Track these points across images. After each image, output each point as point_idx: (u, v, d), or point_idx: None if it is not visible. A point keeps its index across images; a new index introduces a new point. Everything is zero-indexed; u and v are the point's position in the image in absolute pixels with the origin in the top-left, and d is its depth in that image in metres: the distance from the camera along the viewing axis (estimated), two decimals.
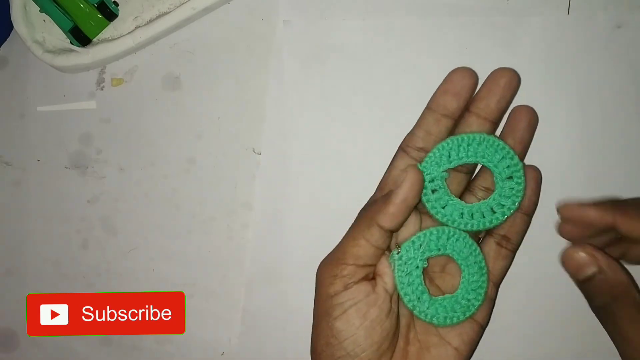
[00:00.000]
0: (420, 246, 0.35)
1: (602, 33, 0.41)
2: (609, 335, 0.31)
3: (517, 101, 0.41)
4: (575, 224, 0.34)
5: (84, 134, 0.44)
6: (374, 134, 0.42)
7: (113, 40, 0.42)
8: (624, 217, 0.32)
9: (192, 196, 0.43)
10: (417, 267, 0.35)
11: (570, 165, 0.41)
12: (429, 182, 0.35)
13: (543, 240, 0.41)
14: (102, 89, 0.44)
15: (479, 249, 0.36)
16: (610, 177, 0.41)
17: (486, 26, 0.41)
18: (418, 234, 0.35)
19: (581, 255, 0.31)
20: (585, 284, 0.32)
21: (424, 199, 0.35)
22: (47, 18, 0.42)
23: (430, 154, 0.36)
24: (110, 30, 0.43)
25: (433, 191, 0.35)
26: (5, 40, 0.44)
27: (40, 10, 0.42)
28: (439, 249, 0.35)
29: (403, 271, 0.35)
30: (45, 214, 0.44)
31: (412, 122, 0.41)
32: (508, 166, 0.35)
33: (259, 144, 0.43)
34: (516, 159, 0.35)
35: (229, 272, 0.42)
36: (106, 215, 0.44)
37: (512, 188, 0.35)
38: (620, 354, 0.31)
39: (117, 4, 0.43)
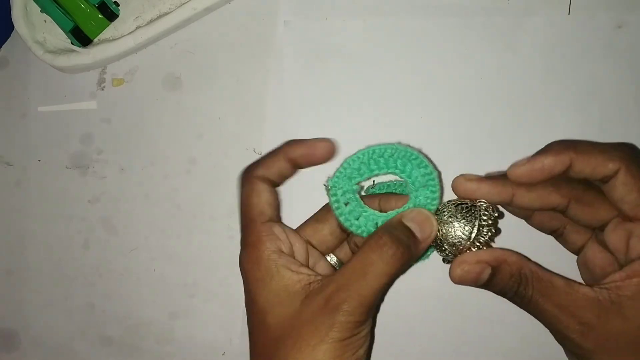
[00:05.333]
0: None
1: (603, 33, 0.41)
2: (534, 315, 0.32)
3: (516, 101, 0.41)
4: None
5: (85, 134, 0.44)
6: (374, 134, 0.42)
7: (114, 41, 0.42)
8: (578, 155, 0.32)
9: (192, 196, 0.43)
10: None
11: None
12: (341, 195, 0.35)
13: (542, 242, 0.41)
14: (102, 89, 0.44)
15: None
16: None
17: (486, 26, 0.41)
18: (395, 181, 0.36)
19: (464, 268, 0.32)
20: (489, 287, 0.32)
21: (337, 212, 0.35)
22: (48, 18, 0.43)
23: (341, 169, 0.35)
24: (111, 30, 0.43)
25: (346, 204, 0.35)
26: (6, 40, 0.44)
27: (41, 11, 0.42)
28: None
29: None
30: (46, 214, 0.44)
31: (411, 122, 0.42)
32: (422, 175, 0.34)
33: (259, 144, 0.43)
34: (430, 167, 0.34)
35: (230, 272, 0.42)
36: (107, 215, 0.44)
37: (427, 197, 0.34)
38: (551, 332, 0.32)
39: (117, 4, 0.43)
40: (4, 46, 0.44)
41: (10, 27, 0.43)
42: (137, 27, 0.43)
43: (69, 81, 0.44)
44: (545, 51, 0.41)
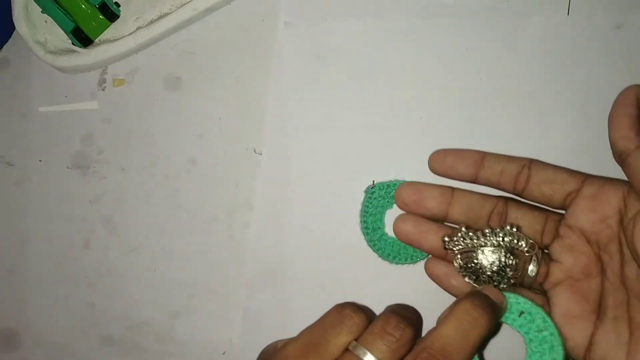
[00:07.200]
0: (390, 192, 0.39)
1: (602, 33, 0.41)
2: None
3: (516, 100, 0.41)
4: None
5: (86, 134, 0.44)
6: (374, 134, 0.42)
7: (114, 41, 0.42)
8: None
9: (193, 196, 0.43)
10: (383, 206, 0.39)
11: (570, 165, 0.41)
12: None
13: None
14: (103, 90, 0.44)
15: None
16: (610, 177, 0.41)
17: (486, 26, 0.41)
18: (394, 181, 0.39)
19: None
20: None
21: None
22: (49, 19, 0.43)
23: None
24: (111, 31, 0.43)
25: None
26: (7, 41, 0.44)
27: (42, 11, 0.42)
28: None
29: (370, 204, 0.39)
30: (47, 214, 0.44)
31: (411, 122, 0.42)
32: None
33: (259, 144, 0.43)
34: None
35: (230, 271, 0.43)
36: (108, 215, 0.44)
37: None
38: None
39: (118, 5, 0.43)
40: (5, 47, 0.45)
41: (11, 28, 0.43)
42: (138, 28, 0.43)
43: (69, 81, 0.44)
44: (545, 51, 0.41)
